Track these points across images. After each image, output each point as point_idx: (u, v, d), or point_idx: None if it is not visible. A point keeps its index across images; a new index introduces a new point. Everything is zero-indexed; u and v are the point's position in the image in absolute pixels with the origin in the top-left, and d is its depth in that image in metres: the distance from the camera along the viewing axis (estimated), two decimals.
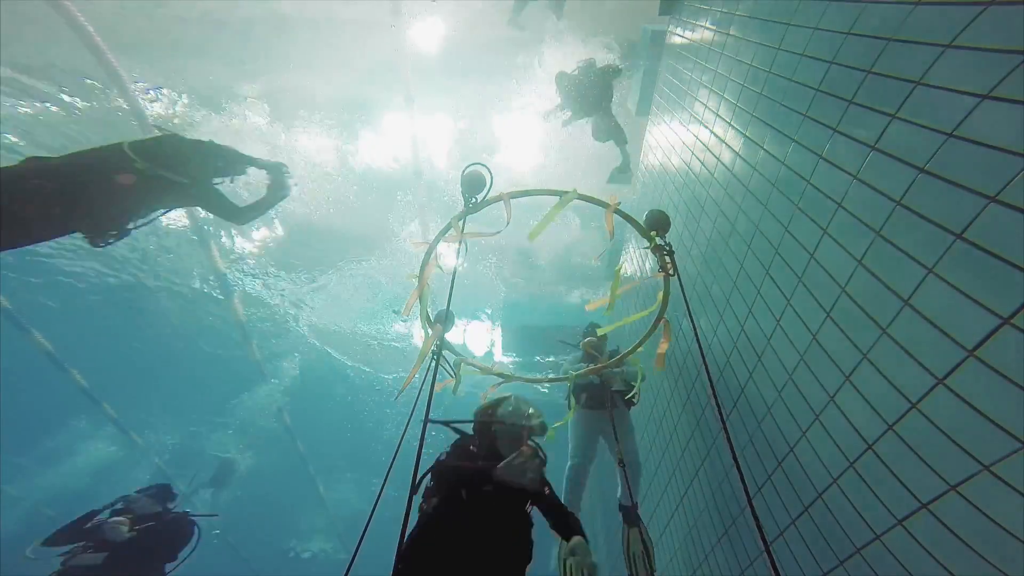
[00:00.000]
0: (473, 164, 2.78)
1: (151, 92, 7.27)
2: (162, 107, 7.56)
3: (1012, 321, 1.21)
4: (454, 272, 2.49)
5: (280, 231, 10.42)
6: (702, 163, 3.70)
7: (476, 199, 2.76)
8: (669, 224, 2.96)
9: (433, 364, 2.04)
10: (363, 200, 9.58)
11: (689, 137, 4.08)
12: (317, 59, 7.37)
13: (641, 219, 3.05)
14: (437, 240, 2.86)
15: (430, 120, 8.15)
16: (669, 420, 4.05)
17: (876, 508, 1.67)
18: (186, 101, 7.64)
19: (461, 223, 2.72)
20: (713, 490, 3.12)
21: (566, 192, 2.78)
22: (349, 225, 10.06)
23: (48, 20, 5.65)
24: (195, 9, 6.41)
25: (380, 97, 7.95)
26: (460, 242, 2.70)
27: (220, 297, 10.78)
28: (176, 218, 9.48)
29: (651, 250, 2.86)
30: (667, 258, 2.76)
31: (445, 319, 2.73)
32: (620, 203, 2.93)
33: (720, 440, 3.04)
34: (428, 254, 2.86)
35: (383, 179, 9.28)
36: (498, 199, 2.77)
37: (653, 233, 2.93)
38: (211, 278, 10.38)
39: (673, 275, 2.76)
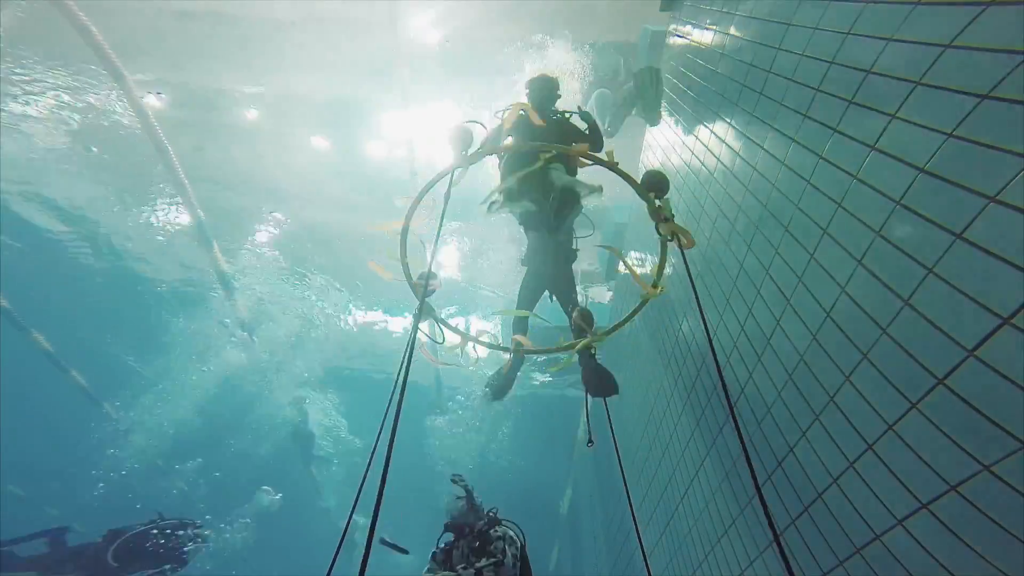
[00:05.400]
0: (466, 121, 2.77)
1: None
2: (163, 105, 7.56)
3: (1012, 321, 1.21)
4: (438, 230, 2.29)
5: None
6: (702, 163, 3.70)
7: (466, 152, 2.73)
8: (668, 184, 2.73)
9: (413, 331, 1.92)
10: (356, 201, 9.60)
11: (689, 137, 4.08)
12: (310, 58, 7.35)
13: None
14: (427, 188, 2.74)
15: (426, 120, 8.13)
16: (669, 420, 4.06)
17: (876, 508, 1.67)
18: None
19: (451, 176, 2.66)
20: (713, 490, 3.12)
21: (565, 148, 2.73)
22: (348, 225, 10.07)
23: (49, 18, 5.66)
24: (194, 6, 6.41)
25: (373, 96, 7.94)
26: (446, 199, 2.57)
27: (221, 295, 10.78)
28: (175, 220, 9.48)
29: (649, 214, 2.63)
30: (667, 218, 2.54)
31: (427, 279, 2.54)
32: (618, 163, 2.72)
33: (720, 440, 3.04)
34: (416, 201, 2.72)
35: (377, 180, 9.28)
36: (491, 152, 2.75)
37: (652, 195, 2.69)
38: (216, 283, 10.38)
39: (671, 240, 2.53)
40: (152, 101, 7.35)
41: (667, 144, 4.78)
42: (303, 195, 9.50)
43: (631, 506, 2.31)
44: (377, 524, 1.01)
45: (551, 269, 3.94)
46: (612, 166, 2.69)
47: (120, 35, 6.18)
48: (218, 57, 7.21)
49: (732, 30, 3.32)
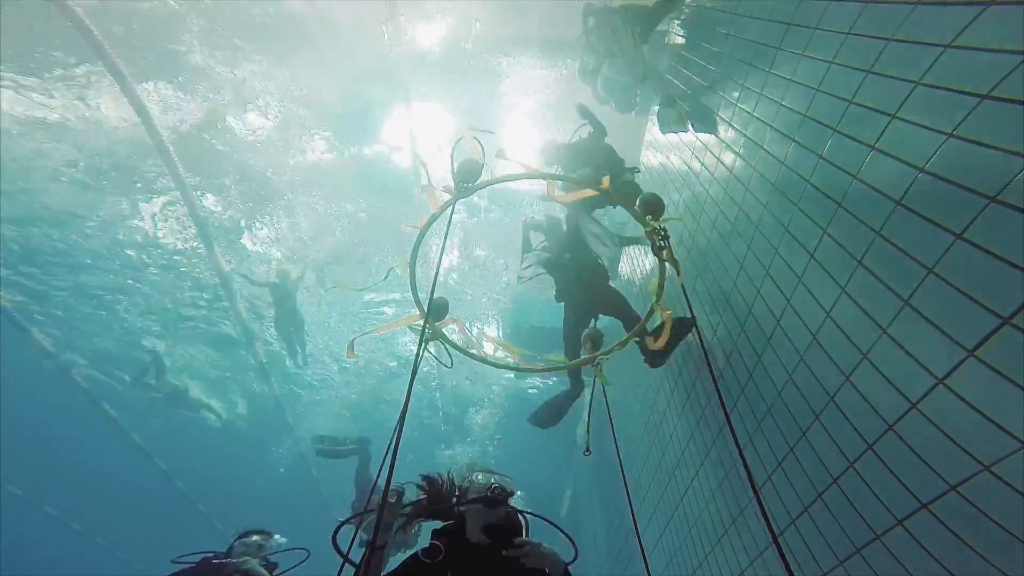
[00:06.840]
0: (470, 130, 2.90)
1: None
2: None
3: (1012, 321, 1.21)
4: (440, 257, 2.51)
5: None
6: (702, 163, 3.70)
7: (468, 185, 2.84)
8: (663, 207, 2.89)
9: (422, 351, 2.06)
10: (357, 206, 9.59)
11: (689, 136, 4.08)
12: (307, 60, 7.33)
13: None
14: (430, 223, 2.91)
15: (428, 122, 8.11)
16: (669, 420, 4.05)
17: (876, 508, 1.67)
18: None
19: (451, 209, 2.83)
20: (713, 490, 3.12)
21: (553, 174, 2.95)
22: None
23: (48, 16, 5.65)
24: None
25: (373, 99, 7.92)
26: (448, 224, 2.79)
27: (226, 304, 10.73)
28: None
29: (646, 235, 2.83)
30: (661, 243, 2.70)
31: (433, 307, 2.67)
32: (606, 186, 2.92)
33: (721, 440, 3.04)
34: (419, 238, 2.92)
35: (375, 181, 9.27)
36: (489, 183, 2.88)
37: (648, 217, 2.85)
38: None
39: (666, 259, 2.69)
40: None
41: (668, 144, 4.78)
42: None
43: (632, 510, 2.31)
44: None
45: (588, 294, 4.03)
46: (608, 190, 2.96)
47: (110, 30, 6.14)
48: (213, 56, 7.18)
49: (732, 30, 3.32)
